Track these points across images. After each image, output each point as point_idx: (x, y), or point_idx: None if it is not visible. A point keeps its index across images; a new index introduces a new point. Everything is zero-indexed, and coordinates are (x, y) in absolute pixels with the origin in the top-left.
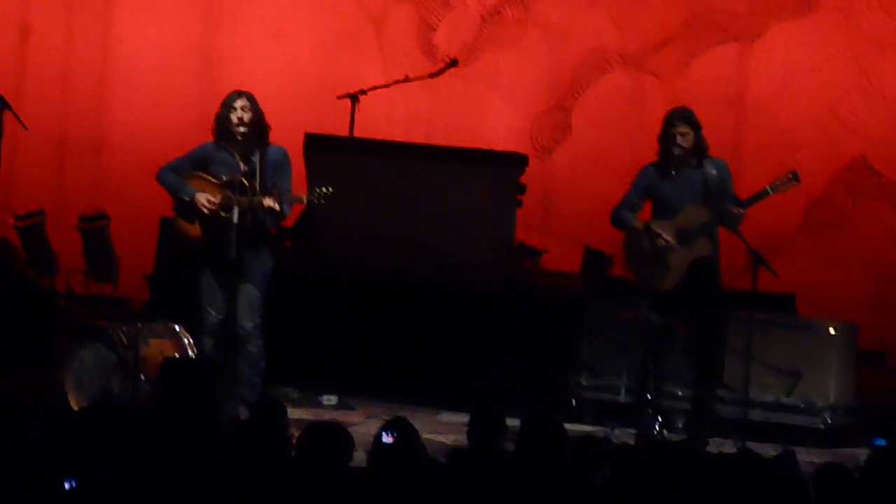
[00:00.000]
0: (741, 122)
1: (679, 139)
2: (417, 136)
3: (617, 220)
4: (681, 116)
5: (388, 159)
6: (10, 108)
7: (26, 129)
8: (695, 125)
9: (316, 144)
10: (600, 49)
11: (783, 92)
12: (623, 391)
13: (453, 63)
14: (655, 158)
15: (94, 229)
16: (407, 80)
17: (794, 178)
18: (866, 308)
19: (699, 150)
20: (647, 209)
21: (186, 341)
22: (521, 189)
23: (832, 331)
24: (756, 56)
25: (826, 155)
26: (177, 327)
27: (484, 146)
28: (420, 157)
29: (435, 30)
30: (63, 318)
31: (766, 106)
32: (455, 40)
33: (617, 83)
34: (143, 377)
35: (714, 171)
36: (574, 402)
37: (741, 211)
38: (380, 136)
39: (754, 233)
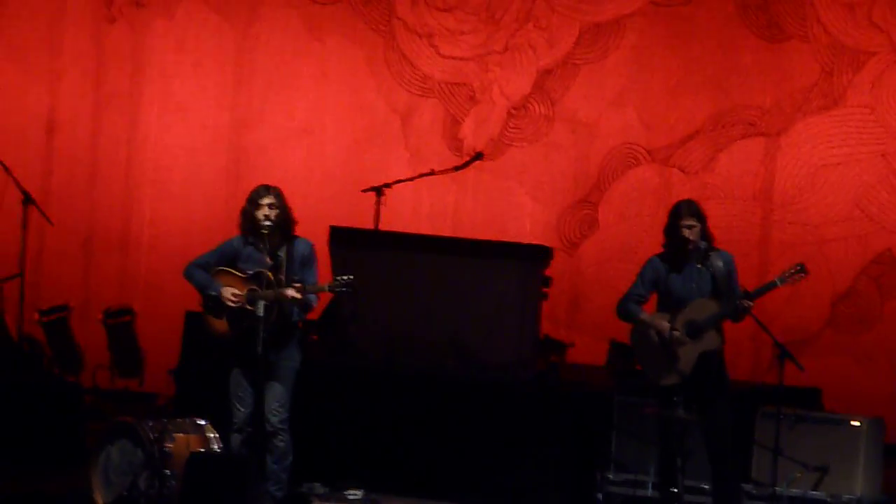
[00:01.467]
0: (767, 216)
1: (685, 231)
2: (444, 230)
3: (623, 312)
4: (687, 209)
5: (413, 253)
6: (35, 204)
7: (52, 224)
8: (701, 217)
9: (341, 238)
10: (626, 144)
11: (809, 186)
12: (651, 486)
13: (478, 156)
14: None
15: (119, 324)
16: (432, 173)
17: (802, 269)
18: (893, 403)
19: (705, 242)
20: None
21: (212, 436)
22: (547, 282)
23: (858, 425)
24: (782, 151)
25: (853, 249)
26: (203, 422)
27: (510, 240)
28: (445, 251)
29: (461, 124)
30: (89, 415)
31: (793, 200)
32: (481, 135)
33: (643, 177)
34: (169, 473)
35: (721, 264)
36: (601, 497)
37: (749, 303)
38: (406, 230)
39: (781, 327)
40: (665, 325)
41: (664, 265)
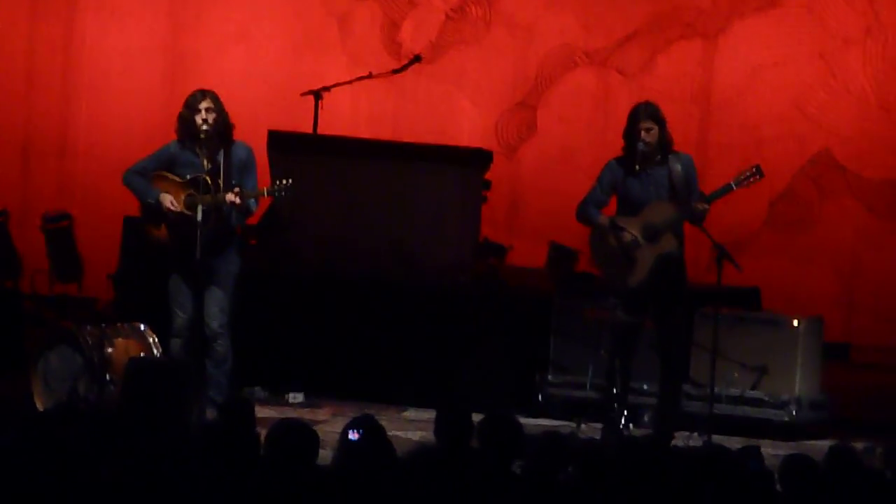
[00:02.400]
0: (706, 117)
1: (644, 135)
2: (383, 134)
3: (582, 215)
4: (646, 112)
5: (353, 158)
6: None
7: None
8: (659, 121)
9: (279, 142)
10: (565, 46)
11: (748, 87)
12: (590, 387)
13: (416, 59)
14: (620, 153)
15: (57, 229)
16: (370, 76)
17: (758, 172)
18: (832, 302)
19: (664, 145)
20: (612, 205)
21: (152, 341)
22: (486, 185)
23: (796, 324)
24: (720, 52)
25: (791, 150)
26: (142, 327)
27: (450, 144)
28: (384, 156)
29: (399, 27)
30: (28, 320)
31: (731, 101)
32: (420, 38)
33: (582, 80)
34: (108, 377)
35: (679, 167)
36: (541, 398)
37: (705, 206)
38: (345, 134)
39: (719, 228)
40: (622, 228)
41: (622, 168)
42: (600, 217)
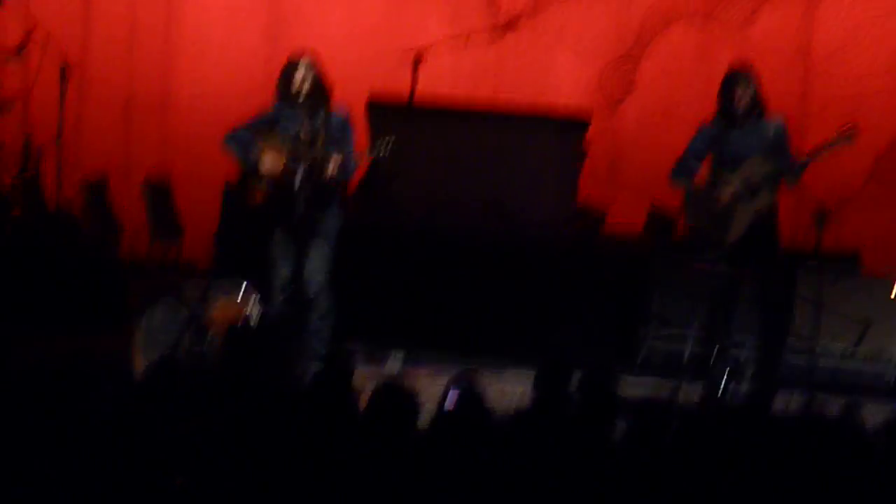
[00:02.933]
0: (808, 71)
1: (738, 95)
2: (484, 90)
3: (676, 179)
4: (740, 75)
5: (453, 117)
6: (71, 68)
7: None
8: (754, 82)
9: (378, 113)
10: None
11: (851, 41)
12: (692, 341)
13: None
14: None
15: (158, 189)
16: (471, 35)
17: (852, 134)
18: None
19: (758, 104)
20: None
21: (254, 297)
22: (584, 148)
23: None
24: (823, 5)
25: (895, 103)
26: (244, 284)
27: (551, 99)
28: (483, 116)
29: None
30: (130, 279)
31: (834, 55)
32: None
33: (684, 34)
34: (210, 334)
35: (773, 128)
36: (643, 353)
37: (805, 161)
38: (446, 90)
39: (822, 186)
40: (724, 183)
41: (716, 128)
42: (696, 174)
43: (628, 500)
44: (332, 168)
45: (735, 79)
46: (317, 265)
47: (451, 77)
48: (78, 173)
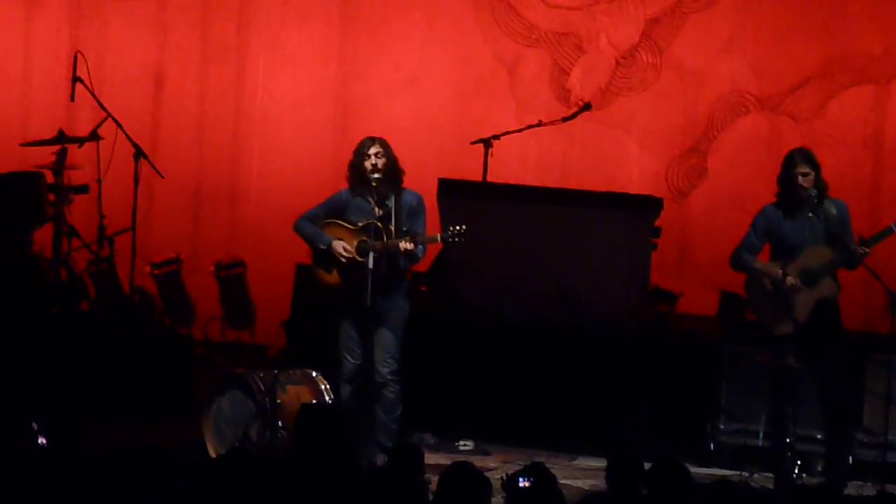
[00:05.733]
0: (878, 163)
1: (800, 179)
2: (551, 180)
3: (737, 262)
4: (802, 156)
5: (521, 203)
6: (146, 157)
7: (163, 177)
8: (815, 165)
9: (449, 190)
10: (735, 91)
11: None
12: (762, 435)
13: (587, 107)
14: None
15: (230, 276)
16: (540, 124)
17: None
18: None
19: (820, 190)
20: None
21: (323, 387)
22: (657, 232)
23: None
24: (893, 98)
25: None
26: (314, 373)
27: (619, 190)
28: (554, 202)
29: (568, 74)
30: (201, 366)
31: None
32: (589, 84)
33: (753, 125)
34: (280, 424)
35: (834, 211)
36: (712, 446)
37: (865, 250)
38: (513, 180)
39: (894, 274)
40: (780, 272)
41: (777, 213)
42: (757, 263)
43: None
44: (402, 253)
45: (797, 158)
46: (383, 356)
47: (519, 167)
48: (149, 260)
